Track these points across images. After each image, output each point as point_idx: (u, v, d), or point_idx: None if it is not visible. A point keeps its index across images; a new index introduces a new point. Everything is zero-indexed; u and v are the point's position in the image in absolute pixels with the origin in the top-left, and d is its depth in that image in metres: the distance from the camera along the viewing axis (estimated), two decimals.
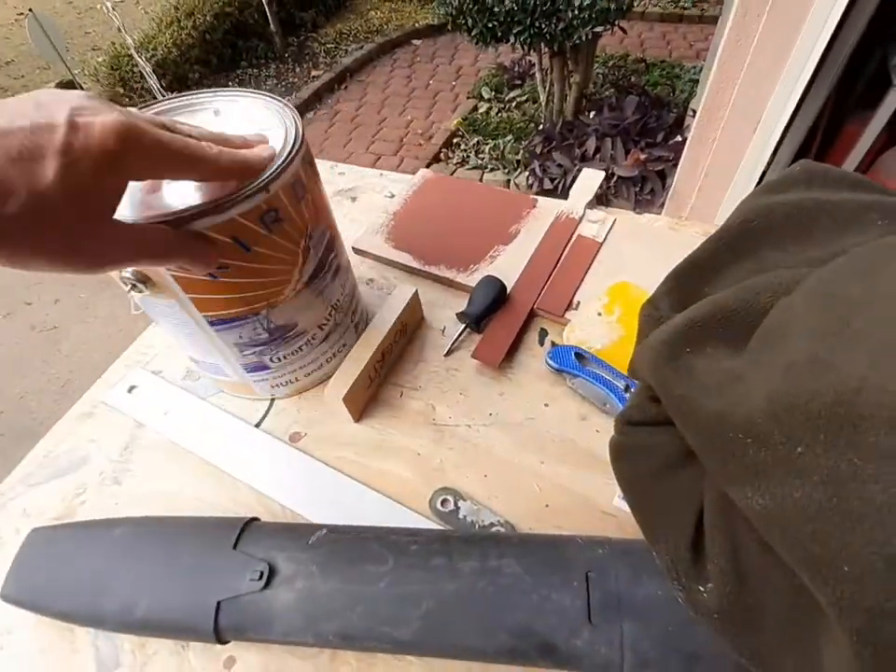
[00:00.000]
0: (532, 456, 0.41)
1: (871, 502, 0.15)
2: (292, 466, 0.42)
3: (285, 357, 0.42)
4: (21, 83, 3.45)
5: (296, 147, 0.32)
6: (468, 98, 2.81)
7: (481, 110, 2.66)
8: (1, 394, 1.75)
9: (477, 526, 0.37)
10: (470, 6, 1.70)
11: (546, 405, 0.44)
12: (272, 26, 3.06)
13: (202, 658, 0.33)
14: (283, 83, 2.99)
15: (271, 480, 0.41)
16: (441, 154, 2.44)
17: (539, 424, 0.43)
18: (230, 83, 2.93)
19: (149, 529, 0.35)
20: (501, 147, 2.32)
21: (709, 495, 0.27)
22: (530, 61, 2.85)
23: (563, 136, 2.14)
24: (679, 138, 1.96)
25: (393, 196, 0.63)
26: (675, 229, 0.56)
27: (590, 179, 0.60)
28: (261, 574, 0.31)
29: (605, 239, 0.54)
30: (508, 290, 0.50)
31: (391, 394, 0.46)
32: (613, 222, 0.56)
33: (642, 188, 2.02)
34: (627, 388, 0.42)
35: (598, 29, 1.66)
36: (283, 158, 0.32)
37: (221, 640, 0.31)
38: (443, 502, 0.39)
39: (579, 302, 0.49)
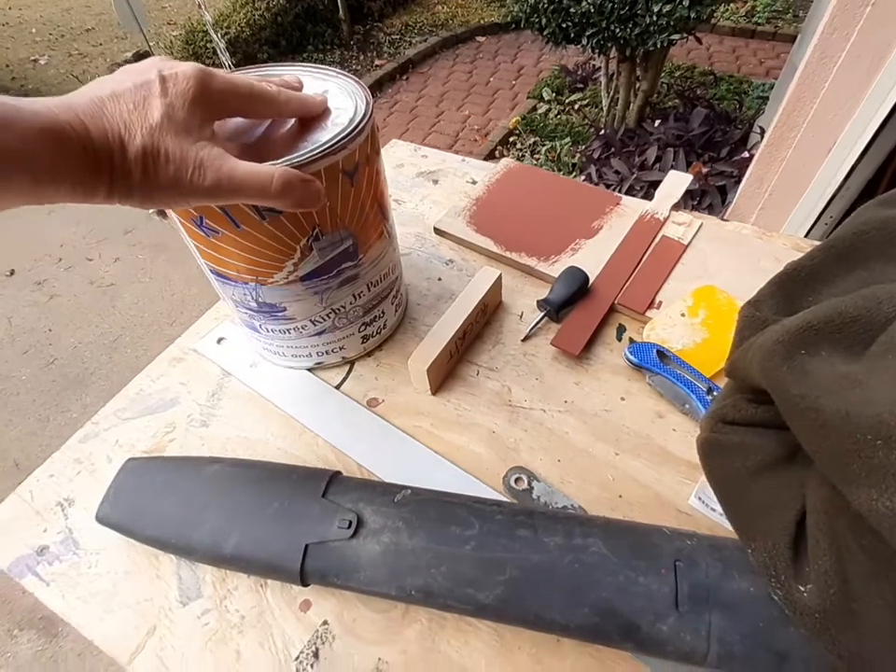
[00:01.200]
0: (606, 447, 0.41)
1: None
2: (370, 428, 0.43)
3: (271, 331, 0.43)
4: (99, 50, 3.60)
5: (329, 146, 0.32)
6: (527, 98, 2.80)
7: (540, 111, 2.65)
8: (57, 342, 1.84)
9: (550, 508, 0.38)
10: (546, 5, 1.70)
11: (622, 399, 0.44)
12: (341, 13, 3.11)
13: (278, 598, 0.35)
14: (347, 69, 3.04)
15: (349, 439, 0.42)
16: (497, 151, 2.44)
17: (615, 416, 0.43)
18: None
19: (241, 470, 0.37)
20: (558, 150, 2.31)
21: (815, 496, 0.27)
22: (594, 65, 2.82)
23: (623, 143, 2.11)
24: (745, 154, 1.90)
25: (475, 182, 0.64)
26: (762, 238, 0.55)
27: (677, 182, 0.59)
28: (350, 523, 0.32)
29: (690, 242, 0.54)
30: (590, 283, 0.50)
31: (468, 371, 0.46)
32: (699, 226, 0.55)
33: (700, 201, 1.97)
34: (710, 391, 0.42)
35: (675, 37, 1.63)
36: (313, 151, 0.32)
37: (304, 582, 0.33)
38: (517, 480, 0.39)
39: (661, 302, 0.49)
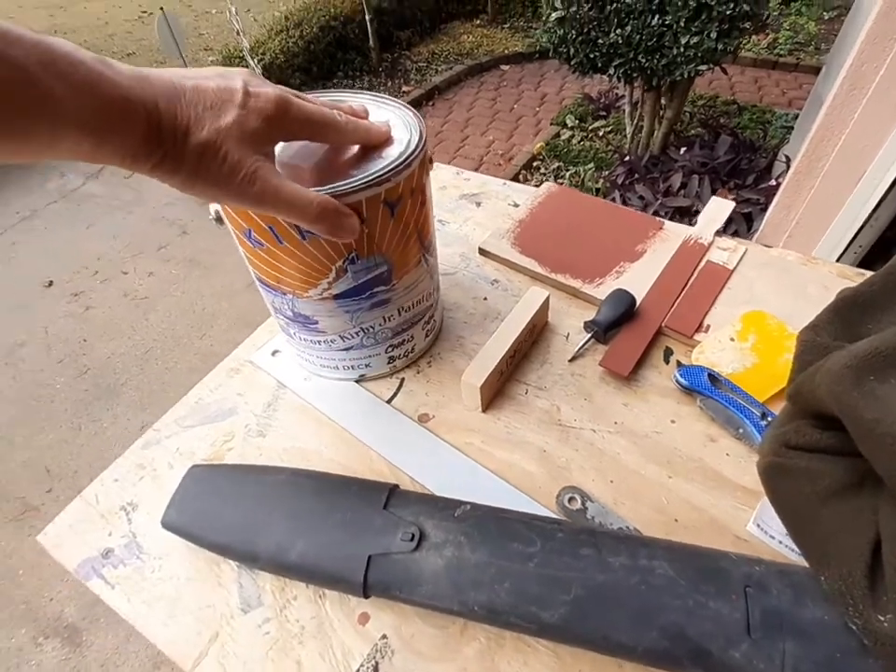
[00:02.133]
0: (659, 469, 0.41)
1: None
2: (422, 443, 0.43)
3: (303, 340, 0.45)
4: None
5: (373, 177, 0.34)
6: (551, 124, 2.85)
7: (563, 137, 2.69)
8: (91, 352, 1.89)
9: (605, 529, 0.38)
10: (574, 36, 1.74)
11: (672, 422, 0.44)
12: (371, 42, 3.23)
13: (337, 609, 0.35)
14: None
15: (402, 453, 0.43)
16: (521, 175, 2.47)
17: (666, 439, 0.43)
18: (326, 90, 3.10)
19: (303, 479, 0.37)
20: (582, 175, 2.33)
21: (891, 524, 0.27)
22: (617, 93, 2.87)
23: (647, 169, 2.13)
24: (772, 182, 1.90)
25: (517, 205, 0.66)
26: (807, 265, 0.56)
27: (719, 208, 0.60)
28: (412, 536, 0.33)
29: (735, 267, 0.54)
30: (636, 305, 0.50)
31: (517, 390, 0.47)
32: (744, 252, 0.56)
33: (726, 227, 1.96)
34: (764, 416, 0.42)
35: (702, 68, 1.66)
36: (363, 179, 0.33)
37: (366, 594, 0.33)
38: (570, 500, 0.40)
39: (709, 326, 0.49)
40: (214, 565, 0.38)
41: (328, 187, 0.33)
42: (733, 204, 0.60)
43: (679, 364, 0.48)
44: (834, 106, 1.44)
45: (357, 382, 0.48)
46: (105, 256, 2.29)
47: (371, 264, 0.38)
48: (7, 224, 2.55)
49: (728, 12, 1.56)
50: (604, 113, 2.83)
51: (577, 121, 2.79)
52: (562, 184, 2.37)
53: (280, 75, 2.86)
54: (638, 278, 0.54)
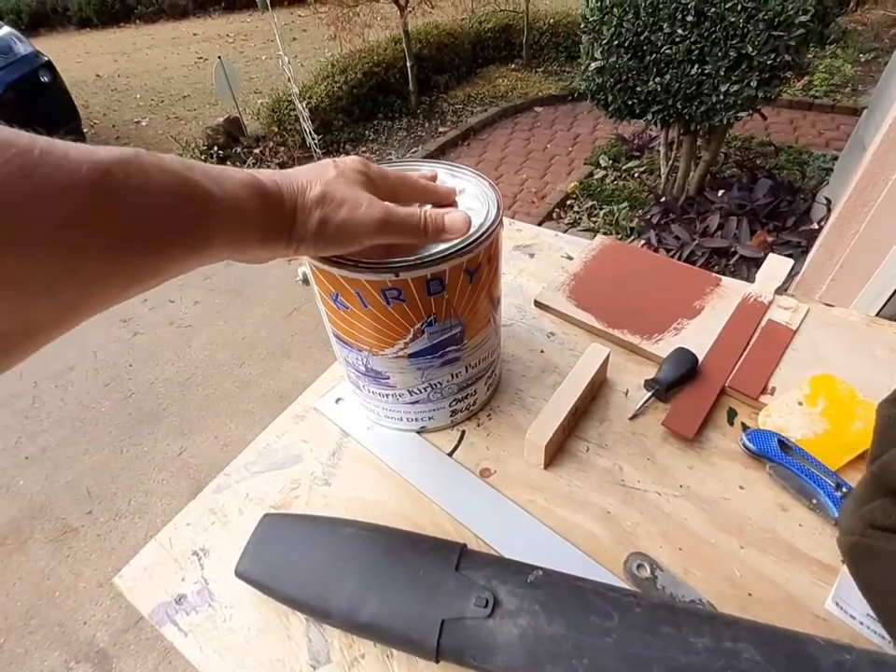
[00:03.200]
0: (730, 538, 0.40)
1: None
2: (485, 499, 0.44)
3: (371, 392, 0.46)
4: (194, 115, 4.04)
5: (461, 249, 0.36)
6: (584, 164, 2.90)
7: (596, 176, 2.73)
8: (136, 377, 1.97)
9: (678, 601, 0.37)
10: (613, 84, 1.79)
11: (741, 487, 0.43)
12: (410, 86, 3.38)
13: (405, 670, 0.35)
14: (412, 135, 3.27)
15: (465, 509, 0.43)
16: (554, 213, 2.51)
17: (735, 506, 0.42)
18: (366, 131, 3.25)
19: (375, 535, 0.38)
20: (616, 214, 2.35)
21: None
22: (650, 134, 2.90)
23: (683, 210, 2.14)
24: (814, 226, 1.88)
25: (570, 258, 0.67)
26: (871, 326, 0.55)
27: (777, 266, 0.60)
28: (487, 601, 0.33)
29: (798, 327, 0.54)
30: (699, 364, 0.50)
31: (578, 447, 0.47)
32: (807, 311, 0.55)
33: None
34: (839, 487, 0.41)
35: (742, 114, 1.67)
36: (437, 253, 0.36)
37: (437, 659, 0.33)
38: (639, 567, 0.39)
39: (774, 388, 0.49)
40: (283, 616, 0.38)
41: (414, 257, 0.35)
42: (791, 262, 0.60)
43: (744, 427, 0.47)
44: (880, 152, 1.43)
45: (418, 433, 0.49)
46: None
47: (447, 326, 0.40)
48: None
49: (769, 62, 1.58)
50: (637, 153, 2.86)
51: (610, 161, 2.83)
52: (595, 222, 2.40)
53: (324, 116, 3.02)
54: (698, 336, 0.54)
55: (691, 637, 0.30)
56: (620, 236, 2.26)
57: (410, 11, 3.23)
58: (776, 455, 0.43)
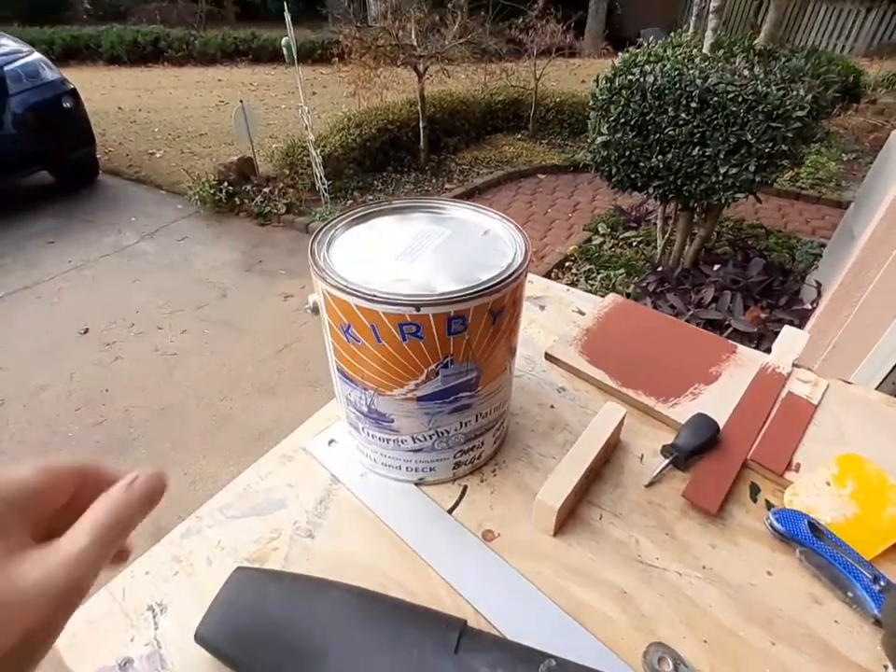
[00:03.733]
0: (760, 632, 0.36)
1: None
2: (487, 568, 0.39)
3: (371, 436, 0.42)
4: (208, 152, 4.16)
5: (486, 288, 0.34)
6: (583, 230, 2.99)
7: (595, 242, 2.81)
8: (111, 403, 1.88)
9: None
10: (617, 158, 1.87)
11: (769, 573, 0.39)
12: (421, 144, 3.53)
13: None
14: (419, 189, 3.38)
15: (465, 578, 0.38)
16: (552, 274, 2.55)
17: (763, 594, 0.38)
18: (375, 181, 3.35)
19: (364, 602, 0.33)
20: (613, 279, 2.40)
21: None
22: (647, 208, 3.02)
23: (679, 281, 2.18)
24: (807, 305, 1.92)
25: (582, 313, 0.66)
26: (892, 406, 0.53)
27: (794, 338, 0.59)
28: None
29: (819, 402, 0.52)
30: (720, 432, 0.47)
31: (590, 514, 0.43)
32: (827, 386, 0.53)
33: (758, 345, 1.96)
34: (876, 580, 0.37)
35: (739, 196, 1.74)
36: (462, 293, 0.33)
37: None
38: (660, 660, 0.34)
39: (798, 464, 0.46)
40: None
41: (439, 294, 0.33)
42: (807, 335, 0.59)
43: (769, 505, 0.44)
44: (874, 240, 1.48)
45: (416, 484, 0.45)
46: (144, 310, 2.36)
47: (463, 369, 0.37)
48: (57, 271, 2.67)
49: (766, 150, 1.67)
50: (634, 224, 2.97)
51: (608, 229, 2.92)
52: (593, 285, 2.43)
53: (336, 164, 3.12)
54: (716, 403, 0.51)
55: None
56: None
57: (427, 78, 3.43)
58: (806, 538, 0.39)
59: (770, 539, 0.41)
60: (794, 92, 1.73)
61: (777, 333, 1.94)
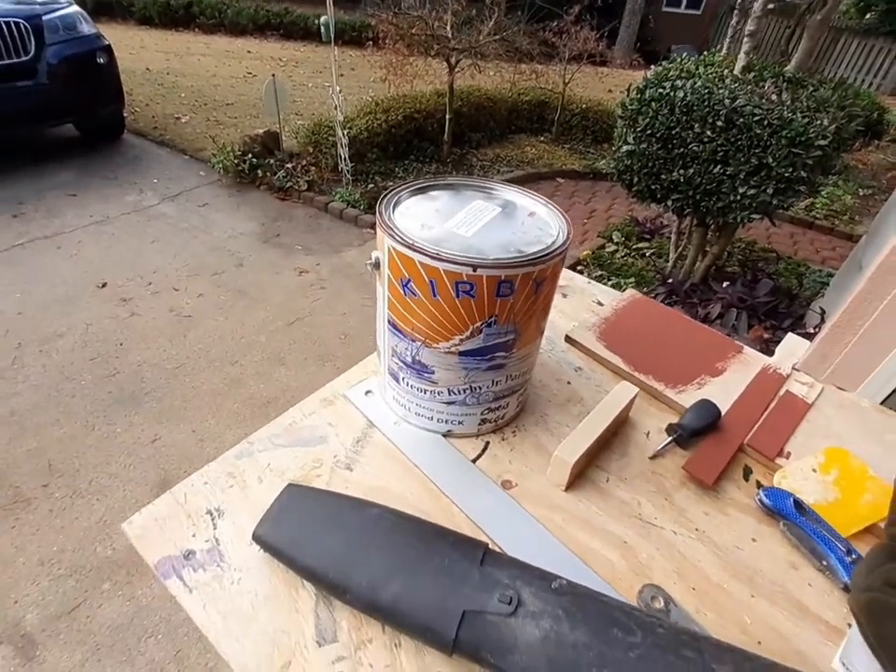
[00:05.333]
0: (741, 586, 0.41)
1: None
2: (505, 509, 0.44)
3: (410, 386, 0.47)
4: (233, 122, 4.18)
5: (535, 256, 0.39)
6: (597, 236, 3.03)
7: (608, 249, 2.85)
8: (124, 357, 1.93)
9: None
10: (640, 168, 1.91)
11: (754, 540, 0.44)
12: (445, 136, 3.56)
13: (413, 663, 0.34)
14: None
15: (485, 514, 0.43)
16: None
17: (747, 557, 0.43)
18: (396, 168, 3.38)
19: (402, 520, 0.38)
20: (622, 287, 2.44)
21: None
22: (662, 221, 3.06)
23: (687, 294, 2.22)
24: (809, 330, 1.97)
25: (601, 304, 0.70)
26: (880, 413, 0.57)
27: (795, 344, 0.64)
28: (511, 599, 0.33)
29: (814, 402, 0.56)
30: (721, 418, 0.52)
31: (598, 476, 0.48)
32: (821, 390, 0.58)
33: None
34: (849, 553, 0.42)
35: (755, 216, 1.79)
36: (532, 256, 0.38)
37: (453, 652, 0.32)
38: (653, 598, 0.39)
39: (789, 453, 0.51)
40: (293, 589, 0.37)
41: (494, 258, 0.37)
42: (807, 343, 0.64)
43: (759, 485, 0.49)
44: (880, 272, 1.53)
45: (444, 435, 0.50)
46: (162, 270, 2.40)
47: (503, 331, 0.42)
48: (78, 224, 2.71)
49: (786, 174, 1.71)
50: (648, 236, 3.00)
51: (622, 238, 2.96)
52: None
53: (360, 147, 3.15)
54: (720, 393, 0.56)
55: (713, 663, 0.31)
56: None
57: (458, 72, 3.46)
58: (790, 513, 0.44)
59: (757, 513, 0.46)
60: (818, 122, 1.76)
61: (801, 337, 1.96)
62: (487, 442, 0.50)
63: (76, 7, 3.22)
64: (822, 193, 4.09)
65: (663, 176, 1.91)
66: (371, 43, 3.41)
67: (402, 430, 0.50)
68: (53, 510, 1.41)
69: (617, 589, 0.39)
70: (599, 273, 2.60)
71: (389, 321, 0.45)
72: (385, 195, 0.44)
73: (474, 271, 0.37)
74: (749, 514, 0.46)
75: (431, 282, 0.39)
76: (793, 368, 0.60)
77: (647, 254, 2.81)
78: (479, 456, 0.49)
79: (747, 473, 0.50)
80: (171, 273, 2.37)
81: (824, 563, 0.42)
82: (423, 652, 0.35)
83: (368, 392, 0.53)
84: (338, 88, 2.57)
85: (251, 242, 2.70)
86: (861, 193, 4.06)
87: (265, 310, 2.23)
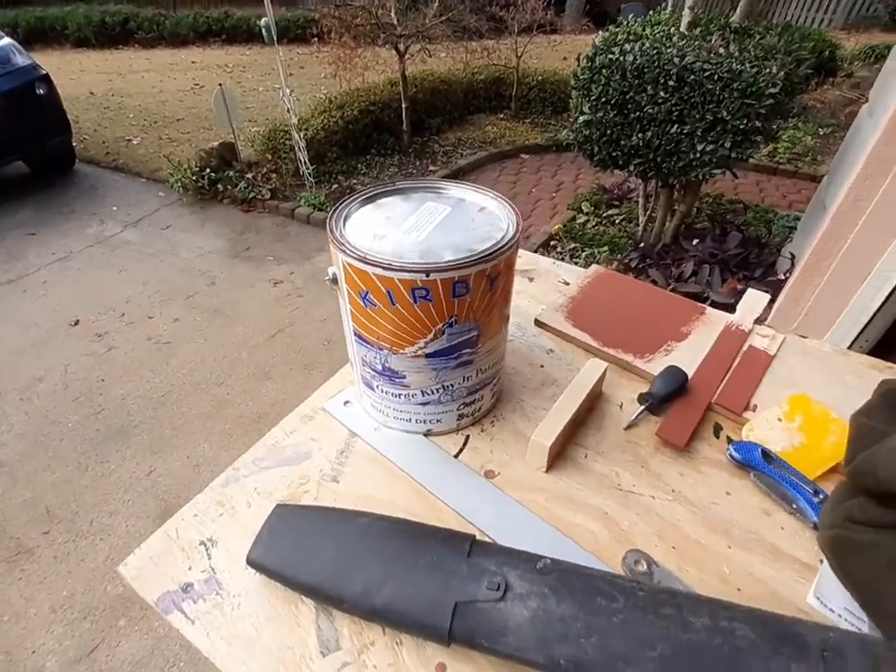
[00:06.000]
0: (718, 539, 0.43)
1: None
2: (490, 498, 0.45)
3: (385, 392, 0.48)
4: (187, 137, 4.09)
5: (484, 254, 0.39)
6: (567, 209, 3.04)
7: (579, 221, 2.87)
8: (108, 392, 1.91)
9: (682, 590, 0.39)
10: (599, 137, 1.92)
11: (728, 493, 0.46)
12: (404, 125, 3.53)
13: (415, 658, 0.36)
14: (402, 172, 3.38)
15: (471, 507, 0.45)
16: (538, 253, 2.61)
17: (723, 510, 0.45)
18: (359, 165, 3.35)
19: (390, 524, 0.39)
20: (597, 256, 2.46)
21: None
22: (629, 186, 3.08)
23: (660, 256, 2.25)
24: (780, 276, 2.01)
25: (567, 283, 0.72)
26: (841, 356, 0.60)
27: (756, 299, 0.66)
28: (498, 585, 0.35)
29: (776, 353, 0.59)
30: (688, 382, 0.54)
31: (577, 454, 0.50)
32: (783, 340, 0.60)
33: None
34: (816, 493, 0.44)
35: (716, 172, 1.81)
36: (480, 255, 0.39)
37: (450, 642, 0.34)
38: (636, 562, 0.41)
39: (755, 405, 0.53)
40: (292, 605, 0.39)
41: (445, 261, 0.38)
42: (767, 297, 0.66)
43: (729, 440, 0.51)
44: (841, 212, 1.56)
45: (424, 435, 0.51)
46: (134, 300, 2.36)
47: (465, 328, 0.43)
48: (41, 263, 2.65)
49: (741, 126, 1.73)
50: (617, 202, 3.02)
51: (592, 208, 2.97)
52: (577, 263, 2.50)
53: (319, 148, 3.11)
54: (686, 357, 0.58)
55: (691, 617, 0.32)
56: None
57: (409, 58, 3.41)
58: (759, 464, 0.46)
59: (729, 468, 0.48)
60: (767, 70, 1.78)
61: (762, 292, 2.00)
62: (468, 436, 0.51)
63: (7, 40, 3.11)
64: (783, 138, 4.13)
65: (622, 142, 1.92)
66: (316, 39, 3.34)
67: (383, 436, 0.51)
68: (58, 556, 1.40)
69: (602, 559, 0.41)
70: (573, 245, 2.62)
71: (355, 332, 0.46)
72: (335, 209, 0.45)
73: (427, 276, 0.38)
74: (721, 470, 0.48)
75: (388, 291, 0.39)
76: (755, 322, 0.62)
77: (617, 220, 2.83)
78: (460, 451, 0.50)
79: (717, 431, 0.52)
80: (143, 302, 2.34)
81: (794, 506, 0.44)
82: (423, 647, 0.36)
83: (346, 402, 0.54)
84: (288, 90, 2.53)
85: (220, 259, 2.66)
86: (821, 133, 4.11)
87: (244, 326, 2.21)
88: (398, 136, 3.61)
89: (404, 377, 0.45)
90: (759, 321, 0.63)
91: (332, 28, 3.10)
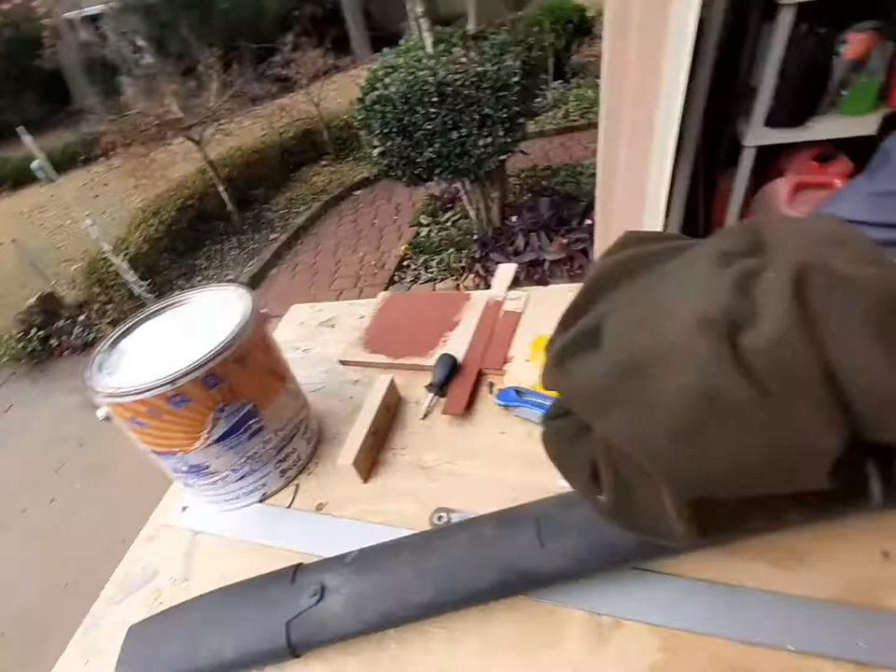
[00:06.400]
0: (496, 471, 0.54)
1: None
2: (321, 528, 0.53)
3: (202, 485, 0.54)
4: (3, 302, 3.73)
5: (217, 349, 0.46)
6: (410, 226, 3.22)
7: (422, 234, 3.06)
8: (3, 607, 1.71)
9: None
10: (398, 161, 2.09)
11: (502, 433, 0.58)
12: (228, 206, 3.53)
13: None
14: (245, 251, 3.38)
15: (309, 542, 0.52)
16: (395, 277, 2.75)
17: (501, 447, 0.57)
18: (197, 261, 3.29)
19: (225, 591, 0.46)
20: (446, 260, 2.65)
21: (597, 446, 0.42)
22: (456, 187, 3.35)
23: (496, 240, 2.49)
24: (588, 221, 2.31)
25: (363, 317, 0.82)
26: (573, 291, 0.76)
27: (506, 271, 0.80)
28: (316, 591, 0.42)
29: (524, 310, 0.73)
30: (459, 361, 0.66)
31: (387, 456, 0.59)
32: (527, 297, 0.75)
33: (571, 266, 2.32)
34: None
35: (502, 157, 2.05)
36: (204, 357, 0.45)
37: (295, 654, 0.41)
38: (439, 518, 0.51)
39: (512, 357, 0.66)
40: None
41: (187, 365, 0.45)
42: (514, 266, 0.81)
43: (499, 391, 0.63)
44: (606, 140, 1.82)
45: (260, 502, 0.58)
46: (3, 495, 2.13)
47: (239, 406, 0.50)
48: None
49: (504, 115, 1.99)
50: (450, 205, 3.27)
51: (430, 218, 3.19)
52: (432, 272, 2.67)
53: (148, 261, 3.02)
54: (459, 340, 0.70)
55: (455, 537, 0.43)
56: (455, 277, 2.55)
57: (207, 143, 3.43)
58: (515, 400, 0.59)
59: (500, 415, 0.60)
60: (506, 63, 2.07)
61: (582, 251, 2.29)
62: (297, 485, 0.59)
63: None
64: (570, 98, 4.67)
65: (418, 160, 2.11)
66: (103, 157, 3.25)
67: (222, 519, 0.57)
68: None
69: (415, 528, 0.50)
70: (423, 258, 2.79)
71: (149, 450, 0.51)
72: (88, 364, 0.50)
73: (174, 384, 0.45)
74: (496, 418, 0.60)
75: (150, 410, 0.46)
76: (507, 290, 0.77)
77: (455, 221, 3.05)
78: (293, 500, 0.57)
79: (491, 388, 0.64)
80: (9, 498, 2.12)
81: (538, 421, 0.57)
82: (281, 668, 0.43)
83: (184, 508, 0.59)
84: (89, 221, 2.44)
85: (82, 415, 2.47)
86: (598, 83, 4.71)
87: (127, 478, 2.09)
88: (226, 219, 3.60)
89: (209, 466, 0.52)
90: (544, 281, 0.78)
91: (115, 142, 3.04)
